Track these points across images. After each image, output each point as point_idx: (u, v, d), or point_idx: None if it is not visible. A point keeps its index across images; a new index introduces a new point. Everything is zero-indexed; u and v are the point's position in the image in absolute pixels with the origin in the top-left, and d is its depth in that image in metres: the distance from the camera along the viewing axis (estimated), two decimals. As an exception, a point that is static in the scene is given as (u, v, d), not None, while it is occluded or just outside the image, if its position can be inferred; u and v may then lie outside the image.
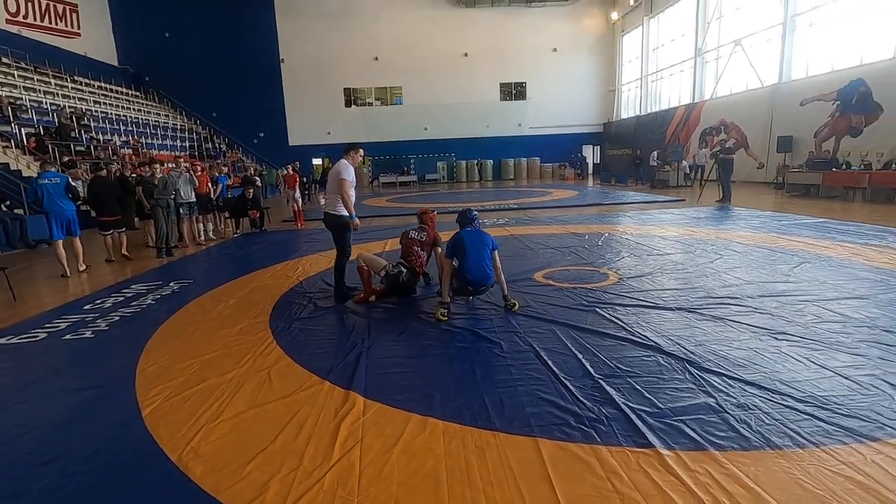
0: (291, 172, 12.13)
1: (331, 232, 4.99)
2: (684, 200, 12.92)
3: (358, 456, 2.27)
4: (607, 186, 19.73)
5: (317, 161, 27.48)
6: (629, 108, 29.11)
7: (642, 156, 21.20)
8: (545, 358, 3.24)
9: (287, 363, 3.43)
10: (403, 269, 4.80)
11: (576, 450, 2.24)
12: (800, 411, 2.47)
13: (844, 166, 12.48)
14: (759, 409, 2.51)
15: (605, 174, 23.42)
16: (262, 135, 27.77)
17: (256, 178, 13.56)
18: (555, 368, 3.07)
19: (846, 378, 2.80)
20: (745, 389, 2.72)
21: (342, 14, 27.33)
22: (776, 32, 17.03)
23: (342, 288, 4.95)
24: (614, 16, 28.40)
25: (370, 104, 29.33)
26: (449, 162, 28.89)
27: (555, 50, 28.90)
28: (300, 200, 11.62)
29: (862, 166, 11.90)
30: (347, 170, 4.74)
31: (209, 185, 9.73)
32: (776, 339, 3.41)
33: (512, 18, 28.25)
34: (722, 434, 2.31)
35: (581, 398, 2.70)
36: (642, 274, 5.36)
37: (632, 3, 26.29)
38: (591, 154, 30.38)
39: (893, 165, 11.18)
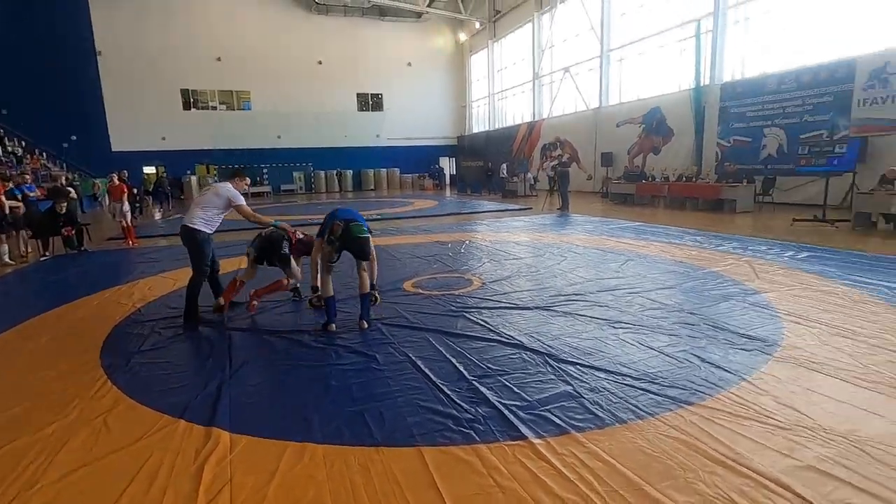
0: (118, 182, 10.47)
1: (187, 248, 4.47)
2: (531, 209, 14.28)
3: (228, 498, 2.05)
4: (464, 196, 20.90)
5: (149, 170, 24.25)
6: (480, 123, 31.27)
7: (493, 168, 22.89)
8: (421, 366, 3.30)
9: (128, 405, 2.94)
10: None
11: (458, 452, 2.32)
12: (637, 388, 2.90)
13: (650, 179, 15.03)
14: (607, 391, 2.88)
15: (461, 185, 24.79)
16: (74, 138, 23.45)
17: (70, 188, 11.47)
18: (431, 375, 3.15)
19: (668, 355, 3.36)
20: (595, 374, 3.10)
21: (174, 7, 24.61)
22: (596, 64, 19.88)
23: (193, 310, 4.44)
24: (462, 36, 30.33)
25: (214, 108, 26.86)
26: (306, 172, 27.81)
27: (409, 64, 29.77)
28: (128, 215, 10.07)
29: (663, 179, 14.45)
30: (239, 196, 4.51)
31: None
32: (614, 327, 3.95)
33: (366, 30, 28.41)
34: (580, 417, 2.59)
35: (458, 401, 2.80)
36: (502, 277, 5.78)
37: (477, 26, 28.36)
38: (447, 165, 31.87)
39: (684, 178, 13.80)
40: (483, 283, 5.54)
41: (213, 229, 4.56)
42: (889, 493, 1.93)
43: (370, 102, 29.88)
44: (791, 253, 6.61)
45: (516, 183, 19.29)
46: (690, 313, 4.24)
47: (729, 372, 3.06)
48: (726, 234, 8.46)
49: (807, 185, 11.73)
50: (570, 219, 11.71)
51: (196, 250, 4.44)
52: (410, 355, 3.49)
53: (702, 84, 14.91)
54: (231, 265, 6.76)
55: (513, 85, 26.67)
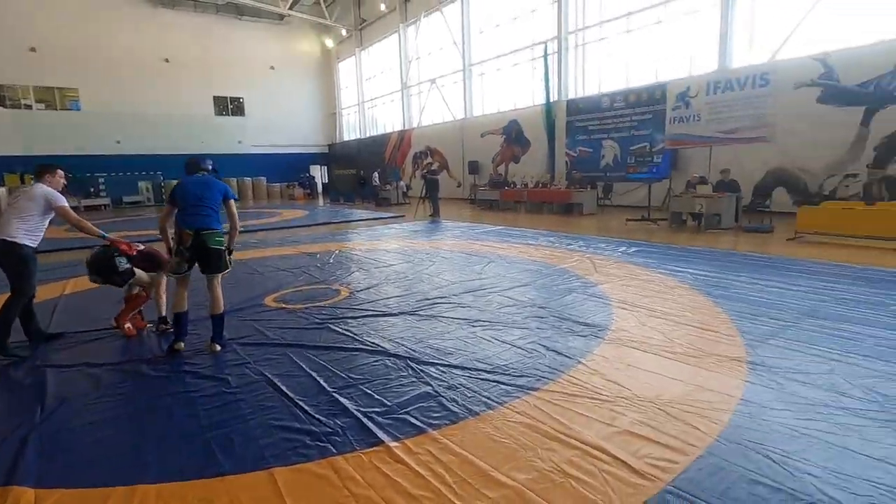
0: None
1: (4, 268, 3.77)
2: (404, 216, 14.49)
3: (28, 567, 1.73)
4: (336, 205, 20.44)
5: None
6: (351, 131, 30.89)
7: (366, 176, 22.75)
8: (278, 384, 3.14)
9: None
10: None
11: (313, 468, 2.25)
12: (490, 380, 3.10)
13: (512, 185, 16.22)
14: (464, 387, 3.03)
15: (333, 193, 24.19)
16: None
17: None
18: (289, 392, 3.01)
19: (519, 348, 3.65)
20: (453, 373, 3.24)
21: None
22: (459, 77, 20.91)
23: (4, 339, 3.72)
24: (329, 42, 29.73)
25: (28, 107, 22.70)
26: (155, 181, 24.76)
27: (272, 68, 28.34)
28: None
29: (522, 185, 15.69)
30: (58, 196, 3.88)
31: None
32: (473, 326, 4.18)
33: (221, 28, 26.40)
34: (437, 415, 2.70)
35: (316, 415, 2.72)
36: (370, 286, 5.77)
37: (344, 33, 28.07)
38: (319, 174, 30.90)
39: (540, 185, 15.13)
40: (351, 293, 5.47)
41: (38, 242, 3.87)
42: (681, 443, 2.33)
43: (230, 106, 27.78)
44: (624, 248, 7.62)
45: (389, 191, 19.41)
46: (540, 307, 4.66)
47: (568, 357, 3.43)
48: (574, 234, 9.47)
49: (637, 190, 13.64)
50: (440, 225, 12.11)
51: (18, 268, 3.73)
52: (267, 374, 3.30)
53: (551, 100, 16.53)
54: (49, 291, 5.79)
55: (382, 94, 26.84)
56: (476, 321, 4.30)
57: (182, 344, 3.75)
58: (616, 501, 1.95)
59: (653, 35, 13.96)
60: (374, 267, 6.92)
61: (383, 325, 4.30)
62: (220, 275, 3.84)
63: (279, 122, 28.78)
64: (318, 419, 2.68)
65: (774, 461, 2.17)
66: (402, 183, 20.41)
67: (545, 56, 16.37)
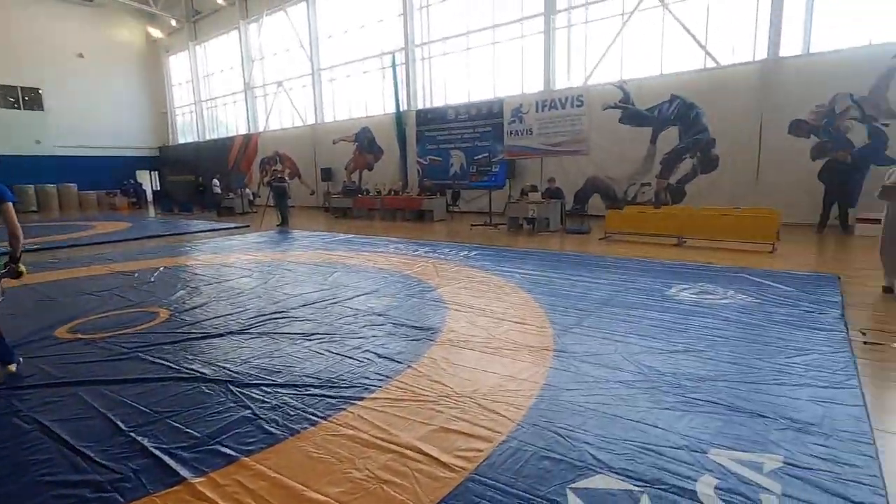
0: None
1: None
2: (248, 226, 13.50)
3: None
4: (169, 216, 18.22)
5: None
6: (187, 132, 27.87)
7: (205, 182, 20.74)
8: (57, 431, 2.66)
9: None
10: None
11: (91, 525, 1.95)
12: (317, 395, 3.03)
13: (366, 193, 16.19)
14: (288, 405, 2.91)
15: (166, 202, 21.50)
16: None
17: None
18: (70, 440, 2.57)
19: (352, 358, 3.63)
20: (278, 392, 3.10)
21: None
22: (309, 80, 20.23)
23: None
24: (156, 33, 26.43)
25: None
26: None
27: (81, 56, 24.26)
28: None
29: (376, 193, 15.76)
30: None
31: None
32: (308, 340, 4.05)
33: (5, 6, 21.78)
34: (253, 440, 2.54)
35: (104, 462, 2.37)
36: (197, 305, 5.24)
37: (174, 23, 25.24)
38: (148, 180, 27.26)
39: (393, 192, 15.36)
40: (171, 315, 4.90)
41: None
42: (488, 432, 2.54)
43: (22, 98, 23.01)
44: (465, 252, 8.11)
45: (233, 199, 17.92)
46: (379, 315, 4.70)
47: (399, 362, 3.52)
48: (423, 240, 9.79)
49: (482, 197, 14.63)
50: (289, 235, 11.55)
51: None
52: (43, 421, 2.77)
53: (402, 109, 16.91)
54: None
55: (223, 94, 24.73)
56: (312, 335, 4.18)
57: None
58: (423, 497, 2.05)
59: (490, 54, 15.16)
60: (204, 284, 6.30)
61: (205, 349, 3.93)
62: None
63: (93, 120, 24.70)
64: (105, 466, 2.34)
65: (561, 436, 2.48)
66: (247, 190, 19.01)
67: (394, 66, 16.71)
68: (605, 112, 12.64)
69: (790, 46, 10.35)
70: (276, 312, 4.89)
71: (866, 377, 3.11)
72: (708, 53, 11.38)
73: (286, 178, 14.92)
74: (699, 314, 4.41)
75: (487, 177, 12.34)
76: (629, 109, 12.31)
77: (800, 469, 2.16)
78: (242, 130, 23.80)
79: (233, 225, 13.87)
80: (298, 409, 2.87)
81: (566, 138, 13.34)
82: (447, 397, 2.96)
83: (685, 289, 5.29)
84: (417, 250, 8.47)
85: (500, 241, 9.42)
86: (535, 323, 4.31)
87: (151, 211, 21.62)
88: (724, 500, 1.97)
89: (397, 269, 6.88)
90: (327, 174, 19.14)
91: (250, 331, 4.33)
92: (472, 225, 11.59)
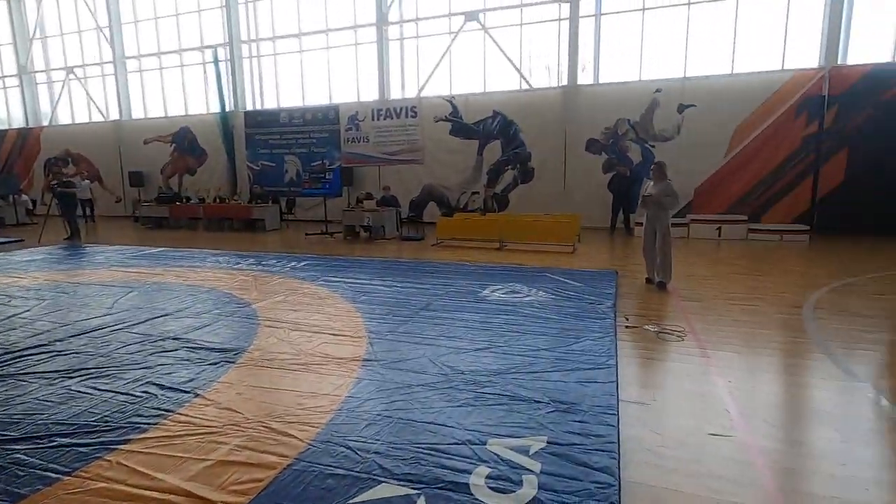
0: None
1: None
2: (23, 240, 10.98)
3: None
4: None
5: None
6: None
7: None
8: None
9: None
10: None
11: None
12: (65, 446, 2.50)
13: (186, 200, 14.43)
14: (20, 464, 2.34)
15: None
16: None
17: None
18: None
19: (125, 394, 3.10)
20: (10, 448, 2.48)
21: None
22: (110, 69, 17.33)
23: None
24: None
25: None
26: None
27: None
28: None
29: (198, 200, 14.15)
30: None
31: None
32: (70, 378, 3.36)
33: None
34: (-50, 519, 1.97)
35: None
36: (-90, 347, 4.00)
37: None
38: None
39: (218, 199, 13.96)
40: None
41: None
42: (274, 458, 2.35)
43: None
44: (294, 263, 7.69)
45: (2, 207, 14.42)
46: (174, 339, 4.14)
47: (185, 392, 3.11)
48: (248, 252, 9.04)
49: (319, 206, 14.14)
50: (79, 250, 9.67)
51: None
52: None
53: (228, 109, 15.50)
54: None
55: (-12, 76, 19.84)
56: (77, 370, 3.48)
57: None
58: (179, 549, 1.79)
59: (324, 58, 14.80)
60: (-68, 317, 4.87)
61: None
62: None
63: None
64: None
65: (351, 449, 2.42)
66: (24, 197, 15.48)
67: (215, 61, 15.27)
68: (438, 124, 13.26)
69: (585, 76, 12.12)
70: (34, 347, 3.98)
71: (624, 357, 3.69)
72: (522, 76, 12.72)
73: (75, 181, 12.48)
74: (504, 312, 4.80)
75: (322, 184, 11.96)
76: (458, 123, 13.10)
77: (558, 446, 2.43)
78: (17, 124, 19.38)
79: (1, 239, 11.11)
80: (34, 467, 2.32)
81: (402, 147, 13.66)
82: (235, 425, 2.69)
83: (497, 289, 5.74)
84: (239, 263, 7.78)
85: (336, 251, 9.18)
86: (350, 333, 4.22)
87: None
88: (491, 488, 2.11)
89: (210, 286, 6.20)
90: (138, 178, 16.61)
91: (-13, 374, 3.44)
92: (307, 234, 11.11)
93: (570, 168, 12.15)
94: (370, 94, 14.25)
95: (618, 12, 11.75)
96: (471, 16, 12.83)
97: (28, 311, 5.11)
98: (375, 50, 13.83)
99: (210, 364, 3.58)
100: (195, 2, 15.80)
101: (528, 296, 5.45)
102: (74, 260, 8.51)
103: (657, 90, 11.22)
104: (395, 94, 14.06)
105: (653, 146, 11.44)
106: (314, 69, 15.03)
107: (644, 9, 11.45)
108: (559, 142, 12.11)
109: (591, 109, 11.84)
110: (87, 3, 17.05)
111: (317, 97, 14.99)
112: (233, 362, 3.61)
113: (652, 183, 6.00)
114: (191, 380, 3.30)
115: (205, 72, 16.19)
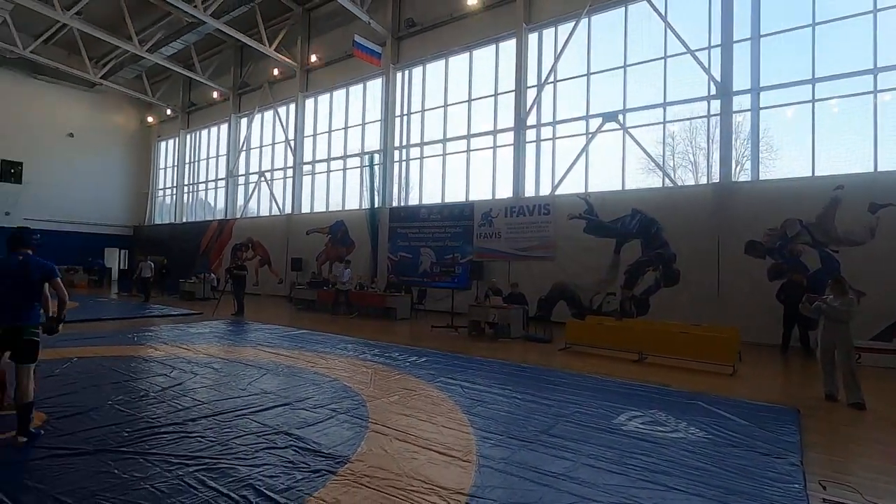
0: None
1: None
2: (201, 314, 12.84)
3: None
4: (126, 297, 17.42)
5: None
6: (165, 214, 27.86)
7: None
8: None
9: None
10: None
11: None
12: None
13: (332, 286, 15.80)
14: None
15: (125, 283, 20.70)
16: None
17: None
18: None
19: (226, 495, 3.02)
20: (108, 545, 2.47)
21: None
22: (290, 173, 20.75)
23: None
24: (150, 119, 27.49)
25: None
26: None
27: (71, 135, 24.86)
28: None
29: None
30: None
31: None
32: (187, 466, 3.40)
33: (6, 83, 22.63)
34: None
35: None
36: (82, 410, 4.55)
37: (168, 112, 26.32)
38: (117, 259, 26.64)
39: (358, 286, 15.02)
40: (46, 422, 4.22)
41: None
42: None
43: (1, 171, 23.00)
44: (415, 358, 7.60)
45: (195, 283, 17.34)
46: (286, 434, 4.11)
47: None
48: (376, 341, 9.27)
49: (448, 297, 14.36)
50: (241, 326, 10.92)
51: None
52: None
53: (376, 205, 17.20)
54: None
55: (206, 180, 25.18)
56: (195, 458, 3.55)
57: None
58: None
59: (463, 159, 15.84)
60: (110, 383, 5.62)
61: (56, 472, 3.27)
62: (31, 365, 3.84)
63: (71, 196, 24.68)
64: None
65: None
66: (212, 276, 18.50)
67: (371, 165, 17.29)
68: (571, 221, 12.93)
69: (741, 174, 10.96)
70: (169, 424, 4.25)
71: (824, 552, 2.63)
72: (666, 174, 11.98)
73: (246, 265, 14.53)
74: (643, 452, 3.93)
75: (451, 277, 12.18)
76: (593, 220, 12.61)
77: None
78: (219, 216, 23.87)
79: (185, 312, 13.18)
80: (118, 575, 2.24)
81: (534, 243, 13.49)
82: (316, 563, 2.37)
83: (635, 416, 4.84)
84: (365, 353, 7.93)
85: (458, 346, 8.95)
86: (458, 454, 3.77)
87: (112, 290, 20.77)
88: None
89: (335, 376, 6.31)
90: (297, 264, 18.88)
91: (122, 449, 3.68)
92: (433, 326, 11.15)
93: (724, 272, 10.66)
94: (505, 192, 14.64)
95: (778, 105, 10.69)
96: (609, 116, 12.78)
97: (180, 384, 5.65)
98: (512, 151, 14.38)
99: (311, 472, 3.39)
100: (358, 118, 18.50)
101: (675, 430, 4.47)
102: (233, 336, 9.54)
103: (838, 187, 9.59)
104: (530, 191, 14.23)
105: (835, 251, 9.56)
106: (455, 169, 16.11)
107: (814, 100, 10.24)
108: (709, 243, 10.83)
109: (750, 209, 10.50)
110: (281, 122, 21.07)
111: (455, 194, 15.87)
112: (333, 473, 3.38)
113: (832, 296, 4.92)
114: (288, 489, 3.12)
115: (362, 173, 18.42)
